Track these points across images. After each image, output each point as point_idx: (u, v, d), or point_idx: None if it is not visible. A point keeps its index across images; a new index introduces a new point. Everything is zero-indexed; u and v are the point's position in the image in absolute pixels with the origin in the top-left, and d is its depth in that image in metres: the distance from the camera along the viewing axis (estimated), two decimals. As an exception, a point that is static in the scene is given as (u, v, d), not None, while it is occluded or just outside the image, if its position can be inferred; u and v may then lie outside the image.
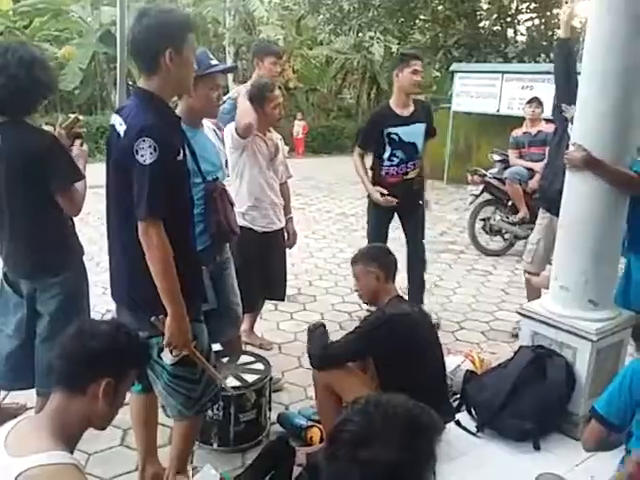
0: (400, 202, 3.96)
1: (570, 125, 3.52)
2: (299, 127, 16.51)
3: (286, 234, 3.65)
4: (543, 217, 3.89)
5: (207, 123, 2.75)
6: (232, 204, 2.78)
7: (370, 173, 4.09)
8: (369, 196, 4.07)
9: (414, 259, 4.13)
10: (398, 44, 16.52)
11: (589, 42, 2.66)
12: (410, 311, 2.56)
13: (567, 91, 3.52)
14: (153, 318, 1.93)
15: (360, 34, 17.23)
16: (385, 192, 3.93)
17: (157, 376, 2.11)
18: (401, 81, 3.90)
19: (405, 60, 3.92)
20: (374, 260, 2.63)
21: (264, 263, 3.41)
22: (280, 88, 4.23)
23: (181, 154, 2.01)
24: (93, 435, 1.89)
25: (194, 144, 2.54)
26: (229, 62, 17.60)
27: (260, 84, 3.34)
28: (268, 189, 3.38)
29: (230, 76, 14.48)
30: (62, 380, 1.37)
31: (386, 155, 3.95)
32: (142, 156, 1.83)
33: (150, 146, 1.83)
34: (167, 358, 2.00)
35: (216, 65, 2.56)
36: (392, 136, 3.92)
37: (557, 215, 3.56)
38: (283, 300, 3.84)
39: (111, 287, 2.12)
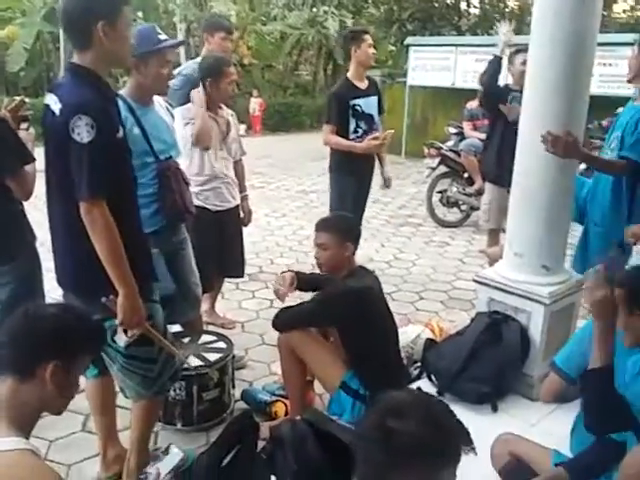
0: (364, 173, 4.11)
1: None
2: (255, 104, 16.30)
3: (242, 212, 3.61)
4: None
5: (158, 100, 2.69)
6: (187, 183, 2.76)
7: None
8: (336, 171, 4.15)
9: None
10: (353, 18, 16.43)
11: (537, 9, 2.70)
12: (371, 284, 2.59)
13: (495, 99, 4.06)
14: (104, 299, 1.89)
15: (314, 9, 17.04)
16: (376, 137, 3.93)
17: (112, 359, 2.07)
18: (360, 56, 4.01)
19: (358, 36, 4.04)
20: (349, 232, 2.64)
21: (220, 242, 3.37)
22: (235, 65, 4.15)
23: (121, 131, 1.94)
24: (54, 421, 1.87)
25: (145, 122, 2.50)
26: (180, 38, 17.20)
27: (217, 57, 3.27)
28: (221, 167, 3.32)
29: (182, 54, 14.16)
30: (10, 365, 1.34)
31: (352, 127, 4.00)
32: (79, 134, 1.77)
33: (87, 124, 1.77)
34: (121, 340, 1.97)
35: (165, 40, 2.49)
36: (356, 107, 4.00)
37: (503, 186, 3.77)
38: (242, 277, 3.82)
39: (56, 274, 2.06)
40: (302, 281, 2.76)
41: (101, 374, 2.24)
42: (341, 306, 2.49)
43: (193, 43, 17.46)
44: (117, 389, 2.32)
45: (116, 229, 1.84)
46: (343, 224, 2.73)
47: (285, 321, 2.63)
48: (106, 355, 2.07)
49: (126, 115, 2.41)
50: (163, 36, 2.50)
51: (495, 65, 4.21)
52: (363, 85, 4.07)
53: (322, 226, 2.68)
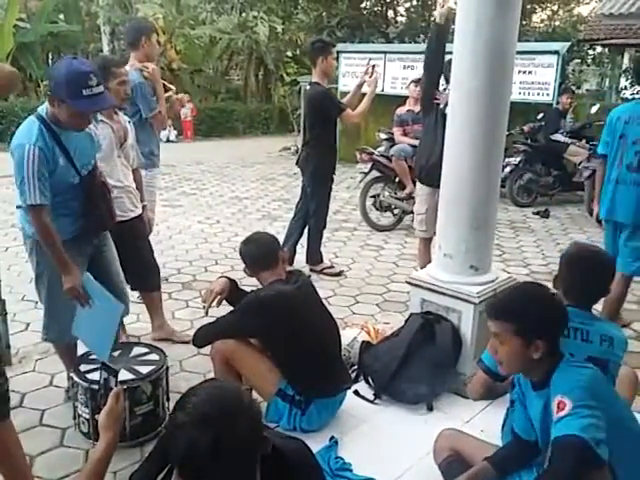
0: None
1: (442, 107, 3.82)
2: (187, 110, 16.02)
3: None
4: (422, 188, 4.19)
5: None
6: (109, 191, 2.79)
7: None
8: (316, 174, 4.75)
9: None
10: (283, 24, 16.46)
11: (459, 20, 2.79)
12: (283, 290, 2.53)
13: (436, 72, 3.87)
14: None
15: (243, 13, 16.94)
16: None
17: None
18: (326, 66, 4.61)
19: (326, 47, 4.62)
20: (255, 263, 2.63)
21: (125, 253, 3.08)
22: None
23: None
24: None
25: (67, 144, 2.47)
26: (105, 42, 16.67)
27: (104, 57, 3.22)
28: (119, 176, 3.14)
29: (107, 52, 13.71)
30: None
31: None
32: None
33: None
34: None
35: (86, 98, 2.33)
36: None
37: (436, 186, 3.85)
38: (156, 289, 3.62)
39: None
40: (234, 292, 2.72)
41: None
42: (256, 316, 2.47)
43: (118, 47, 16.98)
44: None
45: None
46: (252, 254, 2.67)
47: (203, 336, 2.62)
48: None
49: (52, 145, 2.40)
50: (88, 91, 2.32)
51: (433, 31, 3.93)
52: None
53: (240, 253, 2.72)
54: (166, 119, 4.01)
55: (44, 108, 2.47)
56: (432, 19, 13.97)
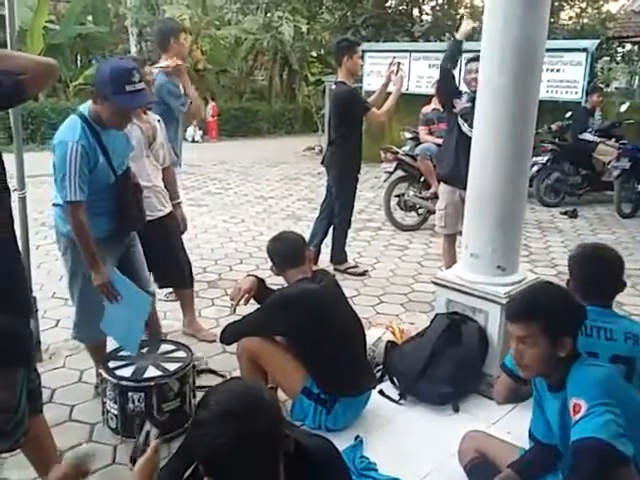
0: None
1: (459, 117, 4.02)
2: (208, 109, 16.15)
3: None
4: (443, 185, 4.32)
5: None
6: (141, 191, 2.84)
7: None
8: (341, 173, 4.77)
9: None
10: (307, 24, 16.47)
11: (487, 17, 2.76)
12: (309, 288, 2.54)
13: (452, 82, 4.07)
14: None
15: (269, 14, 17.00)
16: None
17: None
18: (351, 66, 4.58)
19: (352, 47, 4.58)
20: (282, 261, 2.63)
21: (154, 252, 3.13)
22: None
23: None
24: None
25: (107, 143, 2.53)
26: (133, 43, 16.88)
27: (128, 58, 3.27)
28: (148, 176, 3.18)
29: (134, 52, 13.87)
30: None
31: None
32: None
33: None
34: None
35: (128, 94, 2.40)
36: None
37: (459, 187, 3.90)
38: (187, 287, 3.67)
39: None
40: (262, 291, 2.73)
41: None
42: (282, 314, 2.48)
43: (146, 48, 17.19)
44: None
45: None
46: (279, 253, 2.66)
47: (231, 334, 2.64)
48: None
49: (93, 143, 2.46)
50: (131, 87, 2.38)
51: (454, 46, 4.05)
52: None
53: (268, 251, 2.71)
54: (200, 109, 4.04)
55: (86, 107, 2.52)
56: (457, 17, 13.88)
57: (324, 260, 5.00)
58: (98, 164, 2.51)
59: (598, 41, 10.17)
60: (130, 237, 2.88)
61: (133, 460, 1.68)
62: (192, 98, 3.81)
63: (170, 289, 3.81)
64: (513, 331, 1.84)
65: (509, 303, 1.96)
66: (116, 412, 2.57)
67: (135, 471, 1.62)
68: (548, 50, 2.92)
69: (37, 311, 3.29)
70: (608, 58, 15.82)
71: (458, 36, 3.96)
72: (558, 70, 8.70)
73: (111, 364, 2.66)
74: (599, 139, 7.82)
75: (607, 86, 14.65)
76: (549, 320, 1.75)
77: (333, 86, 4.87)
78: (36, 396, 2.01)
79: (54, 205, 2.64)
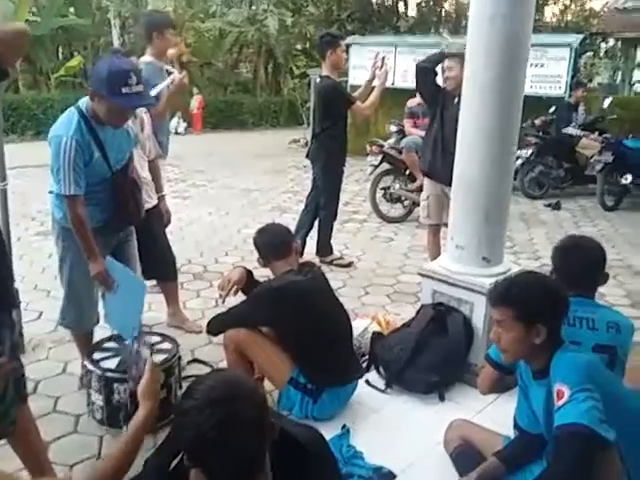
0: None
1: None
2: (194, 101, 16.05)
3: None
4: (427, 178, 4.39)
5: None
6: (140, 188, 2.85)
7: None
8: (326, 166, 4.75)
9: None
10: (292, 17, 16.43)
11: (473, 13, 2.77)
12: (296, 280, 2.54)
13: (427, 81, 4.13)
14: None
15: (253, 6, 16.92)
16: None
17: None
18: (335, 60, 4.59)
19: (335, 41, 4.60)
20: (269, 253, 2.63)
21: (141, 244, 3.12)
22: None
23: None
24: None
25: (103, 138, 2.53)
26: (115, 36, 16.68)
27: (113, 50, 3.22)
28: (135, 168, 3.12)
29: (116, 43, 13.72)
30: None
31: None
32: None
33: None
34: None
35: (125, 95, 2.38)
36: None
37: (437, 181, 4.10)
38: (171, 279, 3.68)
39: None
40: (249, 283, 2.72)
41: None
42: (269, 305, 2.49)
43: (128, 40, 17.01)
44: None
45: None
46: (265, 244, 2.67)
47: (217, 325, 2.65)
48: None
49: (88, 139, 2.46)
50: (127, 89, 2.36)
51: (437, 57, 4.12)
52: None
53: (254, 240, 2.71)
54: (163, 115, 3.88)
55: (84, 102, 2.51)
56: (443, 13, 13.95)
57: (310, 252, 5.00)
58: (93, 159, 2.50)
59: (582, 36, 10.27)
60: (126, 232, 2.88)
61: (134, 395, 1.71)
62: (160, 106, 3.60)
63: (154, 281, 3.79)
64: (492, 314, 1.90)
65: (492, 287, 1.99)
66: (101, 403, 2.55)
67: (140, 392, 1.64)
68: (532, 45, 2.94)
69: (20, 303, 3.25)
70: (591, 53, 15.98)
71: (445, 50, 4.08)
72: (542, 65, 8.76)
73: (96, 355, 2.64)
74: (582, 133, 7.91)
75: (590, 81, 14.81)
76: (521, 307, 1.80)
77: (318, 80, 4.86)
78: (22, 385, 1.99)
79: (49, 192, 2.63)
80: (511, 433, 2.10)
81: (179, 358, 2.79)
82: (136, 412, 1.62)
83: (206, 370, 3.04)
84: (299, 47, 19.74)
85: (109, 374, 2.52)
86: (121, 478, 1.42)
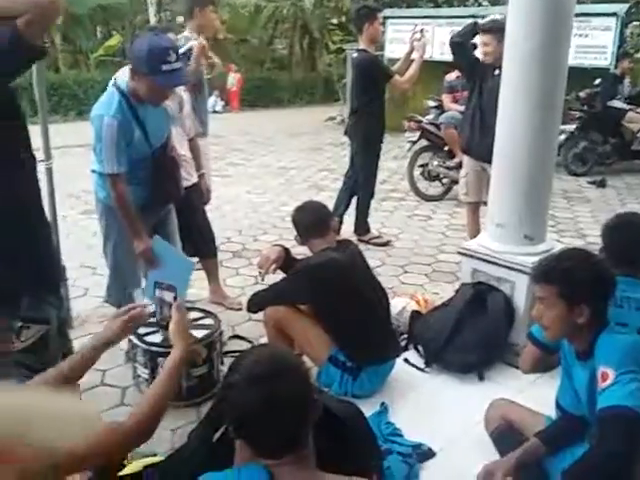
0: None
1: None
2: (233, 79, 16.04)
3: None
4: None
5: None
6: (179, 166, 2.90)
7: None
8: (365, 142, 4.73)
9: None
10: (328, -10, 16.19)
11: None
12: (334, 257, 2.54)
13: (464, 55, 4.05)
14: None
15: (289, -19, 16.74)
16: None
17: None
18: (372, 33, 4.52)
19: (372, 13, 4.53)
20: (307, 230, 2.63)
21: (181, 222, 3.19)
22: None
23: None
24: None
25: (143, 117, 2.57)
26: (152, 13, 16.74)
27: (150, 27, 3.25)
28: (175, 146, 3.16)
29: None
30: None
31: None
32: None
33: None
34: None
35: (166, 72, 2.41)
36: None
37: (475, 158, 4.02)
38: (211, 256, 3.74)
39: None
40: (287, 260, 2.74)
41: None
42: (308, 282, 2.50)
43: (165, 17, 17.07)
44: None
45: None
46: (305, 221, 2.66)
47: (257, 302, 2.68)
48: None
49: (129, 118, 2.50)
50: (168, 66, 2.38)
51: (469, 28, 4.03)
52: None
53: (293, 218, 2.71)
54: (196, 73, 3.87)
55: (124, 81, 2.55)
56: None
57: (347, 231, 5.00)
58: (134, 138, 2.55)
59: (628, 5, 9.82)
60: (165, 209, 2.94)
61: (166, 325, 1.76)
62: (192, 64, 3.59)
63: (195, 258, 3.86)
64: (535, 291, 1.88)
65: (536, 264, 1.97)
66: (147, 377, 2.63)
67: (171, 333, 1.65)
68: (576, 15, 2.83)
69: (67, 280, 3.36)
70: (638, 23, 15.28)
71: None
72: (586, 35, 8.43)
73: (141, 330, 2.71)
74: (628, 106, 7.62)
75: (637, 52, 14.19)
76: (565, 284, 1.76)
77: (355, 54, 4.80)
78: None
79: (92, 171, 2.69)
80: (553, 414, 2.08)
81: (221, 334, 2.85)
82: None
83: (246, 346, 3.11)
84: (335, 21, 19.47)
85: (154, 348, 2.60)
86: (157, 419, 1.46)
